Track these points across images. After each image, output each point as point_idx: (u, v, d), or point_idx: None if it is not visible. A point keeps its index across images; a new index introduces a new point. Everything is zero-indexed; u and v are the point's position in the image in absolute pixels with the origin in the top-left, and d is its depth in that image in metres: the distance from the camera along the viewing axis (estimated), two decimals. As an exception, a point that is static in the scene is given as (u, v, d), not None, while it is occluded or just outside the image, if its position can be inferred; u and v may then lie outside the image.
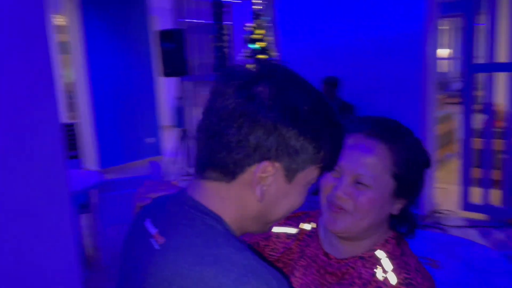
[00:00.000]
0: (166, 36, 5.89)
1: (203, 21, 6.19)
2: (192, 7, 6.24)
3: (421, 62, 4.02)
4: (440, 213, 4.36)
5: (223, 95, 0.68)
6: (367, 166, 0.84)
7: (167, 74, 6.02)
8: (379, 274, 0.86)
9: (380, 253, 0.89)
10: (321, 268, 0.93)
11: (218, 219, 0.69)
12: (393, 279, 0.84)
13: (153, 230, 0.72)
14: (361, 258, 0.89)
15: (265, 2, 5.42)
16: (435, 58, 4.21)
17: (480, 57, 4.07)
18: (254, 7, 5.30)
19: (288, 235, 1.01)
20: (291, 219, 1.04)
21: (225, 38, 5.85)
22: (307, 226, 1.01)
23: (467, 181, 4.20)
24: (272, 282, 0.63)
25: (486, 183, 4.10)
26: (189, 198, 0.72)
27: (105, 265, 3.53)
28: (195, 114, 6.50)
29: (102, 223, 3.53)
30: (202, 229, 0.68)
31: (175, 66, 5.85)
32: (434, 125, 4.40)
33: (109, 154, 6.94)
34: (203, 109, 0.71)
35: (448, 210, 4.39)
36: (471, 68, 4.02)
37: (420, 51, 4.01)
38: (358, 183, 0.85)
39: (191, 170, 6.51)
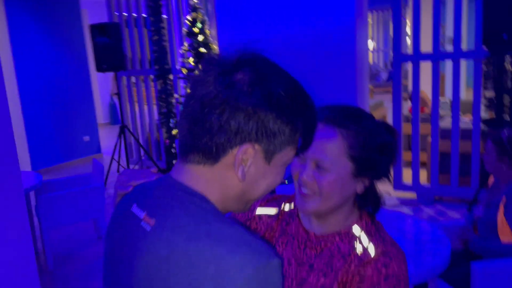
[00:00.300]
0: (100, 30, 5.71)
1: (142, 14, 6.06)
2: (128, 0, 6.08)
3: (353, 53, 4.25)
4: (376, 194, 4.67)
5: (204, 83, 0.72)
6: (325, 151, 0.92)
7: (102, 69, 5.84)
8: (359, 248, 0.95)
9: (356, 229, 0.97)
10: (301, 243, 1.01)
11: (204, 199, 0.73)
12: (371, 251, 0.93)
13: (141, 214, 0.75)
14: (338, 233, 0.98)
15: (202, -4, 5.42)
16: (366, 50, 4.47)
17: (405, 48, 4.39)
18: (191, 0, 5.27)
19: (269, 216, 1.09)
20: (272, 202, 1.12)
21: (164, 31, 5.78)
22: (287, 207, 1.09)
23: (398, 164, 4.52)
24: (263, 252, 0.67)
25: (415, 165, 4.45)
26: (175, 181, 0.76)
27: (50, 269, 3.41)
28: (134, 110, 6.35)
29: (44, 225, 3.39)
30: (191, 208, 0.71)
31: (111, 61, 5.69)
32: (368, 112, 4.69)
33: (42, 154, 6.60)
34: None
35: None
36: (399, 58, 4.33)
37: (352, 43, 4.24)
38: (319, 167, 0.93)
39: (132, 167, 6.38)
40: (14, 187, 1.58)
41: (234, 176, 0.74)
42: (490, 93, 4.00)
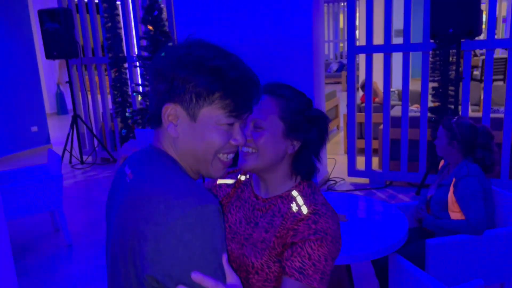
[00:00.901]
0: (50, 15, 5.47)
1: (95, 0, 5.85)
2: (77, -15, 5.85)
3: (310, 45, 4.37)
4: (331, 180, 4.86)
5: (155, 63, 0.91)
6: (261, 112, 1.10)
7: (52, 56, 5.61)
8: (294, 207, 1.11)
9: (294, 193, 1.14)
10: (251, 206, 1.19)
11: (165, 154, 0.92)
12: (304, 210, 1.09)
13: (128, 171, 0.94)
14: (280, 197, 1.15)
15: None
16: (323, 42, 4.62)
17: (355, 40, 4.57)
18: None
19: (228, 185, 1.28)
20: (231, 174, 1.30)
21: (118, 18, 5.63)
22: (243, 178, 1.28)
23: (352, 151, 4.74)
24: (202, 198, 0.82)
25: (368, 152, 4.68)
26: (150, 145, 0.96)
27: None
28: (86, 99, 6.16)
29: (-2, 218, 3.26)
30: (156, 163, 0.90)
31: (61, 48, 5.48)
32: (323, 102, 4.86)
33: (-13, 146, 6.27)
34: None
35: (338, 177, 4.93)
36: (353, 49, 4.52)
37: (308, 35, 4.36)
38: (256, 127, 1.11)
39: (85, 158, 6.21)
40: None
41: (172, 134, 0.89)
42: (434, 84, 4.27)
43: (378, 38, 7.00)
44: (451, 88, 4.11)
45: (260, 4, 4.52)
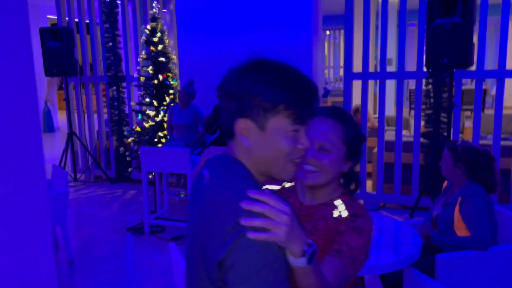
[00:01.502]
0: (51, 34, 5.54)
1: (96, 20, 5.96)
2: (81, 5, 5.96)
3: (310, 70, 4.56)
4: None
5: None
6: (327, 136, 1.23)
7: (52, 73, 5.66)
8: (336, 213, 1.25)
9: (337, 202, 1.28)
10: (296, 212, 1.27)
11: (238, 162, 1.03)
12: (344, 214, 1.24)
13: (206, 174, 1.06)
14: (324, 204, 1.28)
15: (158, 6, 5.48)
16: (322, 67, 4.81)
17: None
18: (150, 11, 5.32)
19: (273, 191, 1.36)
20: (277, 180, 1.38)
21: (118, 39, 5.73)
22: (287, 185, 1.40)
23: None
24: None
25: (362, 175, 4.83)
26: (225, 154, 1.08)
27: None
28: (81, 117, 6.18)
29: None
30: (229, 170, 1.02)
31: (61, 65, 5.54)
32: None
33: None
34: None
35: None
36: (350, 76, 4.72)
37: (309, 60, 4.55)
38: (322, 149, 1.23)
39: (79, 176, 6.18)
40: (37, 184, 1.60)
41: (245, 145, 1.00)
42: (427, 110, 4.49)
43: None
44: (443, 114, 4.33)
45: (263, 30, 4.71)
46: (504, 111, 4.68)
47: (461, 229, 2.33)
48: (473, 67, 4.25)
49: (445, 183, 2.65)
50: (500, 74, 4.22)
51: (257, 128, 0.98)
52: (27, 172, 1.56)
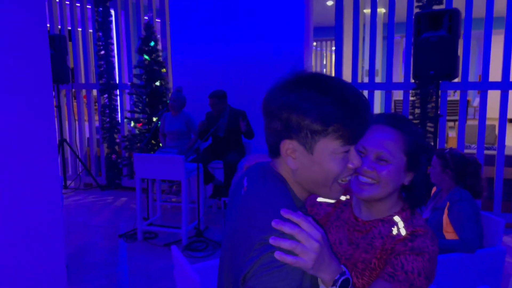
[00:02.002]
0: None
1: (89, 29, 6.00)
2: (74, 13, 6.00)
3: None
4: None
5: None
6: (386, 146, 1.12)
7: (43, 80, 5.66)
8: (395, 230, 1.14)
9: (397, 218, 1.16)
10: (351, 227, 1.22)
11: (282, 179, 0.98)
12: (403, 232, 1.12)
13: (245, 184, 1.03)
14: (381, 220, 1.17)
15: (150, 15, 5.56)
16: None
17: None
18: (144, 20, 5.40)
19: (328, 204, 1.31)
20: None
21: (111, 47, 5.78)
22: (343, 198, 1.29)
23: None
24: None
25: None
26: (268, 165, 1.04)
27: None
28: (72, 124, 6.19)
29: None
30: (268, 181, 0.98)
31: (54, 73, 5.56)
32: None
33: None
34: None
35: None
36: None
37: (300, 69, 4.67)
38: (380, 159, 1.13)
39: (69, 183, 6.17)
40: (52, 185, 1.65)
41: (291, 167, 0.95)
42: (414, 120, 4.64)
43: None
44: (430, 124, 4.48)
45: (255, 40, 4.82)
46: (487, 122, 4.86)
47: (449, 233, 2.44)
48: (458, 79, 4.42)
49: (434, 189, 2.76)
50: (484, 86, 4.40)
51: (304, 150, 0.91)
52: (43, 177, 1.61)
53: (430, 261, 1.07)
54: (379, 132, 1.14)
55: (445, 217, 2.46)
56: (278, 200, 0.92)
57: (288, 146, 0.92)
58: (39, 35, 1.69)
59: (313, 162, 0.92)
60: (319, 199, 1.33)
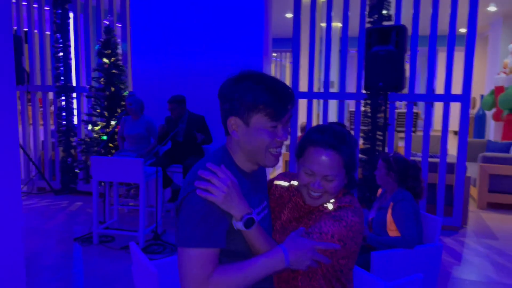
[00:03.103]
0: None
1: (46, 29, 5.90)
2: (31, 14, 5.89)
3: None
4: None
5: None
6: (330, 169, 1.33)
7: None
8: (326, 207, 1.38)
9: (332, 200, 1.39)
10: (299, 209, 1.45)
11: (225, 150, 1.31)
12: (330, 207, 1.36)
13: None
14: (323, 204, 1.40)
15: (111, 18, 5.56)
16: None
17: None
18: (104, 24, 5.40)
19: (282, 187, 1.53)
20: (286, 177, 1.54)
21: (69, 49, 5.72)
22: (295, 183, 1.49)
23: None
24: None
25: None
26: (223, 145, 1.36)
27: None
28: (26, 128, 6.04)
29: None
30: (213, 153, 1.32)
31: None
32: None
33: None
34: None
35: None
36: (296, 95, 5.05)
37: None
38: (326, 180, 1.34)
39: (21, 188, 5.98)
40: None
41: (235, 138, 1.26)
42: (364, 128, 4.91)
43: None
44: (379, 133, 4.76)
45: (216, 49, 4.94)
46: (433, 133, 5.21)
47: (392, 230, 2.65)
48: (406, 91, 4.73)
49: (379, 191, 2.97)
50: (429, 98, 4.74)
51: (243, 124, 1.22)
52: (5, 180, 1.63)
53: (347, 227, 1.27)
54: (321, 157, 1.33)
55: (388, 216, 2.66)
56: (210, 160, 1.25)
57: (232, 121, 1.24)
58: (4, 36, 1.73)
59: (250, 134, 1.23)
60: (276, 182, 1.55)
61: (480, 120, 10.78)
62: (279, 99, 1.20)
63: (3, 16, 1.68)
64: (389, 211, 2.67)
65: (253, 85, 1.20)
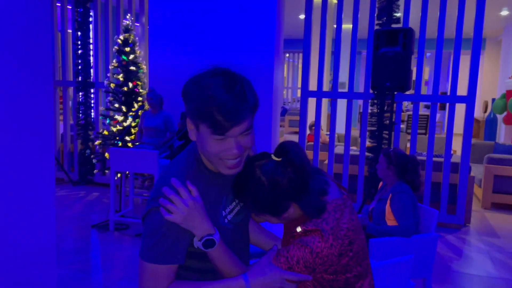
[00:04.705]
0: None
1: (68, 29, 6.17)
2: (54, 13, 6.16)
3: (270, 90, 5.01)
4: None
5: None
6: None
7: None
8: (296, 229, 1.25)
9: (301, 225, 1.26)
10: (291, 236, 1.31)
11: (195, 151, 1.22)
12: (299, 230, 1.23)
13: None
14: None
15: (131, 18, 5.80)
16: (282, 87, 5.30)
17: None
18: (123, 23, 5.64)
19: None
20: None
21: (90, 46, 5.98)
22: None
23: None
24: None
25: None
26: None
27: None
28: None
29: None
30: (182, 154, 1.26)
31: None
32: (277, 139, 5.48)
33: None
34: None
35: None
36: (306, 94, 5.23)
37: (270, 80, 5.01)
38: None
39: None
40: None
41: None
42: (372, 128, 5.06)
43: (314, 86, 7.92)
44: (385, 131, 4.91)
45: (229, 48, 5.14)
46: (443, 135, 5.32)
47: (391, 220, 2.82)
48: (412, 91, 4.88)
49: (380, 184, 3.14)
50: (435, 99, 4.88)
51: (195, 128, 1.14)
52: (40, 173, 1.83)
53: (312, 254, 1.18)
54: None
55: (387, 207, 2.83)
56: (176, 169, 1.19)
57: (189, 123, 1.17)
58: (43, 35, 1.93)
59: (200, 139, 1.14)
60: None
61: (491, 123, 10.83)
62: (224, 114, 1.06)
63: (44, 15, 1.88)
64: (388, 202, 2.84)
65: (204, 90, 1.09)
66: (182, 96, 1.16)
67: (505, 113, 9.60)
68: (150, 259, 1.13)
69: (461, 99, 4.77)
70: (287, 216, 1.24)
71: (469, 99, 4.74)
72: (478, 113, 13.10)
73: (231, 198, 1.27)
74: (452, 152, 5.00)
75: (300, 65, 19.32)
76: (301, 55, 16.13)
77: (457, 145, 9.81)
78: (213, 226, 1.16)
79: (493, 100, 11.39)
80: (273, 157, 1.21)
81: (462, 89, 10.73)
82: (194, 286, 1.17)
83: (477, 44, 4.66)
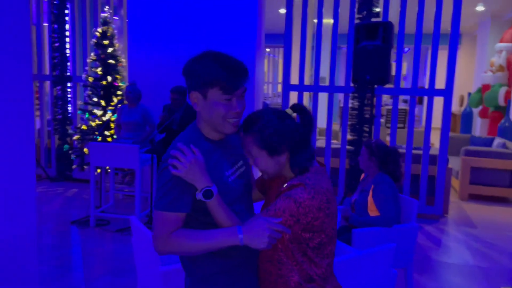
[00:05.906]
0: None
1: (44, 20, 6.02)
2: (29, 4, 6.01)
3: (252, 85, 4.99)
4: (263, 202, 5.43)
5: None
6: (244, 149, 1.42)
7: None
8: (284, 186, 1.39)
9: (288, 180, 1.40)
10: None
11: (194, 125, 1.44)
12: (285, 186, 1.38)
13: None
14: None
15: (110, 11, 5.70)
16: (262, 81, 5.29)
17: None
18: (102, 15, 5.53)
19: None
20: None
21: (65, 39, 5.85)
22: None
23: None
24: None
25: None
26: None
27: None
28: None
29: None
30: (186, 128, 1.47)
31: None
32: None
33: None
34: None
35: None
36: (288, 87, 5.24)
37: (251, 75, 5.00)
38: (251, 159, 1.41)
39: None
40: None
41: (197, 110, 1.41)
42: (353, 121, 5.11)
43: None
44: (366, 125, 4.97)
45: (209, 42, 5.10)
46: (420, 129, 5.40)
47: (373, 211, 2.85)
48: (392, 85, 4.94)
49: (362, 175, 3.17)
50: (414, 92, 4.95)
51: (202, 97, 1.36)
52: (18, 168, 1.78)
53: (296, 204, 1.31)
54: (242, 140, 1.44)
55: (369, 198, 2.87)
56: (182, 138, 1.40)
57: (194, 95, 1.37)
58: (22, 28, 1.87)
59: (207, 106, 1.36)
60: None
61: (468, 117, 11.07)
62: (232, 75, 1.33)
63: (24, 8, 1.82)
64: (370, 193, 2.87)
65: (209, 63, 1.34)
66: (184, 75, 1.39)
67: (480, 107, 9.83)
68: (159, 207, 1.33)
69: (439, 92, 4.86)
70: (277, 162, 1.39)
71: (447, 93, 4.83)
72: (455, 107, 13.37)
73: (231, 162, 1.46)
74: (430, 145, 5.09)
75: (280, 60, 19.35)
76: (281, 50, 16.15)
77: (435, 138, 10.00)
78: (211, 180, 1.33)
79: (469, 94, 11.65)
80: (288, 111, 1.41)
81: (439, 84, 10.93)
82: (195, 232, 1.34)
83: (454, 39, 4.75)
